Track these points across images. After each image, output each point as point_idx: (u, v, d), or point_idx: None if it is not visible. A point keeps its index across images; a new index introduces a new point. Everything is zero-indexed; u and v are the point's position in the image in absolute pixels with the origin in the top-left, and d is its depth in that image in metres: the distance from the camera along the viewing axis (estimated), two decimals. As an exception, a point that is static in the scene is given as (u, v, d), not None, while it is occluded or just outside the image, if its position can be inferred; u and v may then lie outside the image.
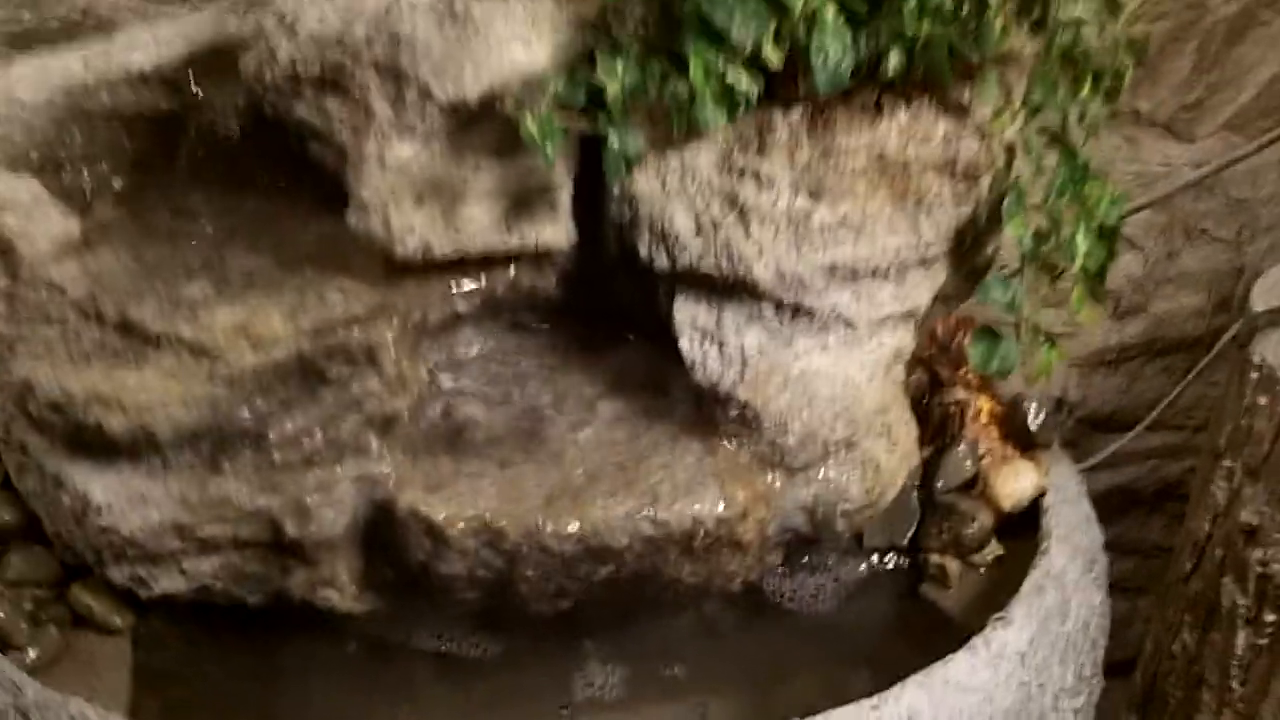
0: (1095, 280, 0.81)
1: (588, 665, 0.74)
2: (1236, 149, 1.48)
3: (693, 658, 0.76)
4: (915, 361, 0.90)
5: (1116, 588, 1.85)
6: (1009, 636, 0.71)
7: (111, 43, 0.76)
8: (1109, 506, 1.74)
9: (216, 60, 0.76)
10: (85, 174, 0.77)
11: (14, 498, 0.76)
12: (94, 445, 0.68)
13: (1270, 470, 1.23)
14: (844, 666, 0.73)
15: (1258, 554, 1.25)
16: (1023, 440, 0.87)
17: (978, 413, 0.87)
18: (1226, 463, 1.31)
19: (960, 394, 0.87)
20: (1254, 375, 1.26)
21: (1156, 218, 1.55)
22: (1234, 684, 1.30)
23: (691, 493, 0.69)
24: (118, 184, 0.78)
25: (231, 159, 0.79)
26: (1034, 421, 0.86)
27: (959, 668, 0.68)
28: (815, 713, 0.64)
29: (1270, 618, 1.25)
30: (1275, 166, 1.53)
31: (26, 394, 0.67)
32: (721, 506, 0.69)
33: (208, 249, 0.72)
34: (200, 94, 0.77)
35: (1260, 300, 1.35)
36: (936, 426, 0.88)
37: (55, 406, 0.67)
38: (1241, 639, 1.29)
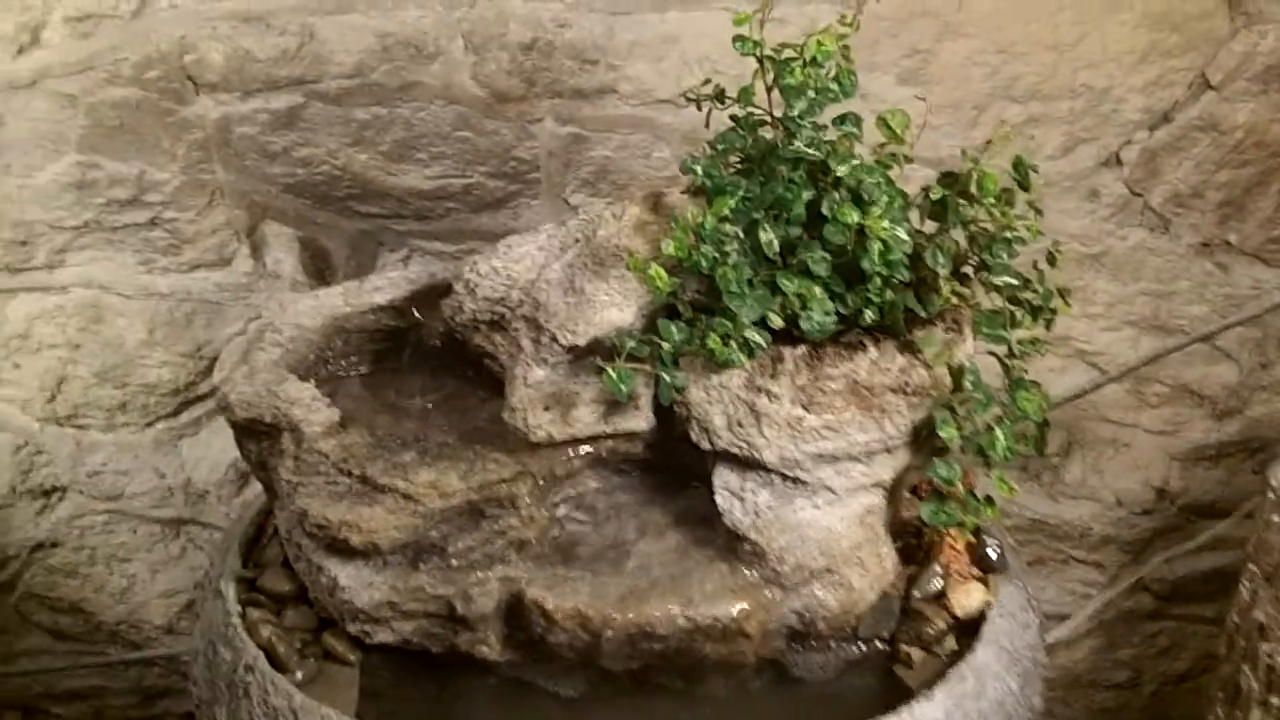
0: (1038, 451, 1.22)
1: (653, 700, 1.16)
2: (1323, 275, 1.79)
3: (724, 701, 1.16)
4: (919, 498, 1.32)
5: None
6: (928, 708, 1.10)
7: (362, 286, 1.27)
8: (1210, 586, 2.07)
9: (429, 294, 1.26)
10: (343, 364, 1.28)
11: (291, 574, 1.23)
12: (341, 549, 1.14)
13: (1278, 578, 1.59)
14: (826, 717, 1.14)
15: (1266, 647, 1.60)
16: (984, 566, 1.27)
17: (955, 541, 1.29)
18: (1252, 567, 1.66)
19: (945, 526, 1.30)
20: (1271, 496, 1.61)
21: (1250, 333, 1.84)
22: (1249, 753, 1.66)
23: (714, 599, 1.09)
24: (363, 370, 1.29)
25: (437, 356, 1.28)
26: (992, 554, 1.28)
27: (886, 724, 1.10)
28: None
29: (1275, 701, 1.59)
30: (1365, 291, 1.83)
31: (303, 517, 1.13)
32: (734, 610, 1.09)
33: (418, 423, 1.21)
34: (418, 315, 1.27)
35: (1294, 432, 1.69)
36: (926, 548, 1.30)
37: (319, 526, 1.12)
38: (1256, 717, 1.63)
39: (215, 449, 2.00)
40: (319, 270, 1.83)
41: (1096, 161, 1.76)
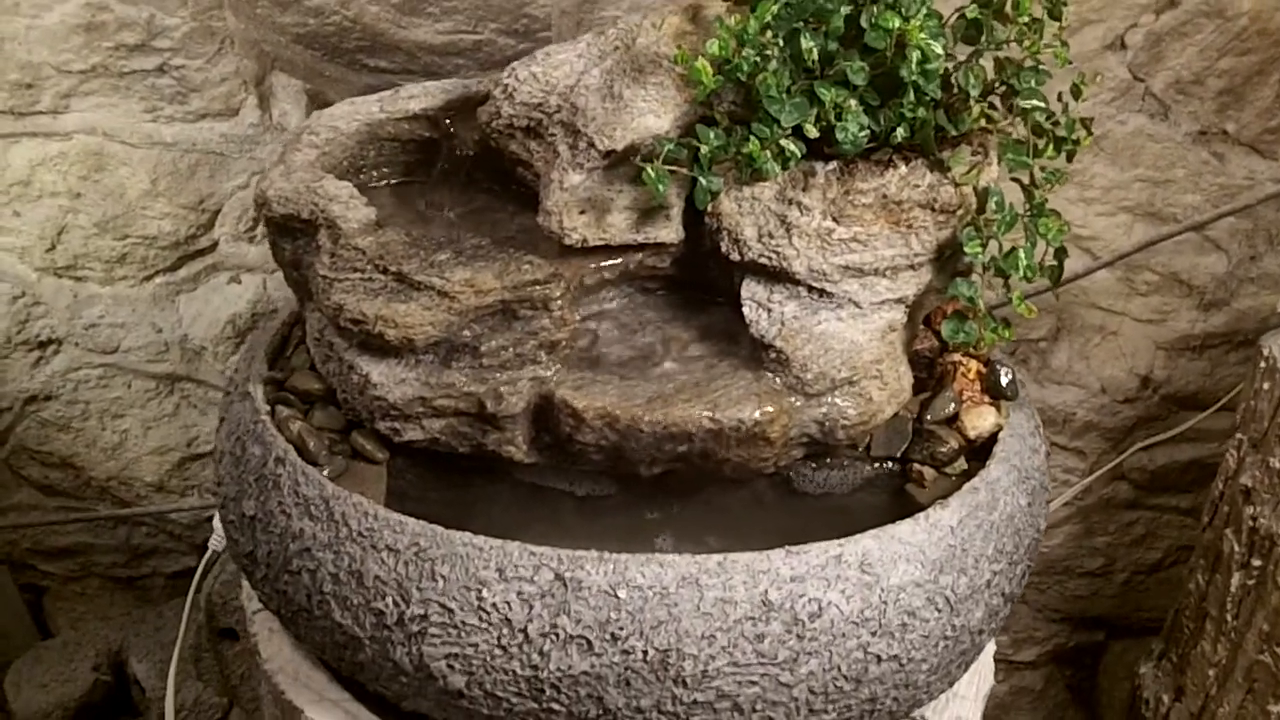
0: (1053, 280, 1.26)
1: (669, 507, 1.19)
2: (1318, 167, 1.81)
3: (739, 511, 1.20)
4: (932, 330, 1.36)
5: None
6: (944, 515, 1.13)
7: (398, 94, 1.29)
8: (1188, 477, 2.11)
9: (463, 107, 1.28)
10: (374, 174, 1.30)
11: (318, 376, 1.25)
12: (375, 346, 1.16)
13: (1266, 443, 1.63)
14: (838, 528, 1.14)
15: (1250, 510, 1.66)
16: (995, 393, 1.30)
17: (968, 370, 1.32)
18: (1239, 435, 1.71)
19: (958, 356, 1.33)
20: (1263, 365, 1.66)
21: (1241, 224, 1.85)
22: (1229, 617, 1.70)
23: (739, 403, 1.12)
24: (393, 182, 1.31)
25: (468, 169, 1.30)
26: (1003, 380, 1.31)
27: (902, 529, 1.11)
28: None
29: (1257, 563, 1.64)
30: (1357, 184, 1.86)
31: (338, 313, 1.15)
32: (758, 414, 1.12)
33: (450, 230, 1.24)
34: (451, 128, 1.29)
35: (1289, 304, 1.74)
36: (939, 377, 1.33)
37: (354, 322, 1.14)
38: (1236, 580, 1.69)
39: (213, 306, 2.02)
40: (326, 124, 1.83)
41: (1102, 44, 1.78)
